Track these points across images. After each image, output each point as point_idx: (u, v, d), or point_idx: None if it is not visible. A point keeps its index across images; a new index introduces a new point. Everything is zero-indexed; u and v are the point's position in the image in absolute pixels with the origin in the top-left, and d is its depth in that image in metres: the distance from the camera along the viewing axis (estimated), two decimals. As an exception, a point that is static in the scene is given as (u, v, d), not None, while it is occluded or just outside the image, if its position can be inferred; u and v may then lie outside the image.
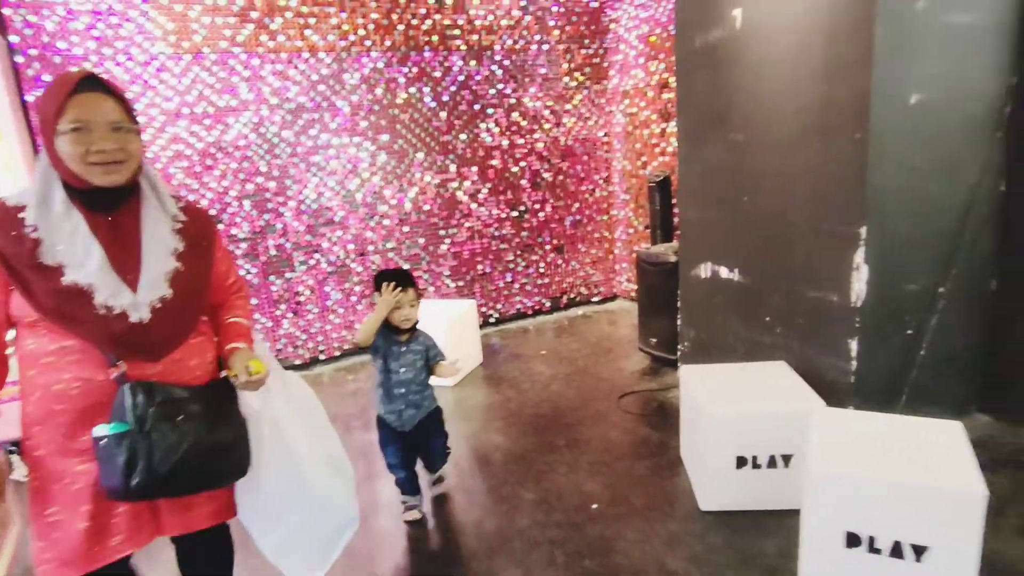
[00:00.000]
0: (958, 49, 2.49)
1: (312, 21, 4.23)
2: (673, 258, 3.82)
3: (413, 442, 2.55)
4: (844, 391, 2.64)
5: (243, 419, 1.51)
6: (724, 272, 3.21)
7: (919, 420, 2.11)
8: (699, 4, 3.02)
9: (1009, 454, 2.70)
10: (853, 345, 2.58)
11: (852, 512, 1.83)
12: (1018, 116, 2.68)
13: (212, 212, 4.13)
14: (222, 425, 1.43)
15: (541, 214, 5.32)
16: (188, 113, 4.00)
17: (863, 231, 2.46)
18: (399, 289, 2.34)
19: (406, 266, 4.83)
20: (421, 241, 4.87)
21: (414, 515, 2.54)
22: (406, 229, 4.81)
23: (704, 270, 3.35)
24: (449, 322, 4.00)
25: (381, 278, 2.36)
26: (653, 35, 4.81)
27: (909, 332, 2.71)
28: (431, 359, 2.52)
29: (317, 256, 4.51)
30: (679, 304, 3.67)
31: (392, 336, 2.44)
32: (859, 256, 2.49)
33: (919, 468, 1.80)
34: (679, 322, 3.70)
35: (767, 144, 2.82)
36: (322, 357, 4.67)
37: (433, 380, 2.57)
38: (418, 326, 2.51)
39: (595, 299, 5.74)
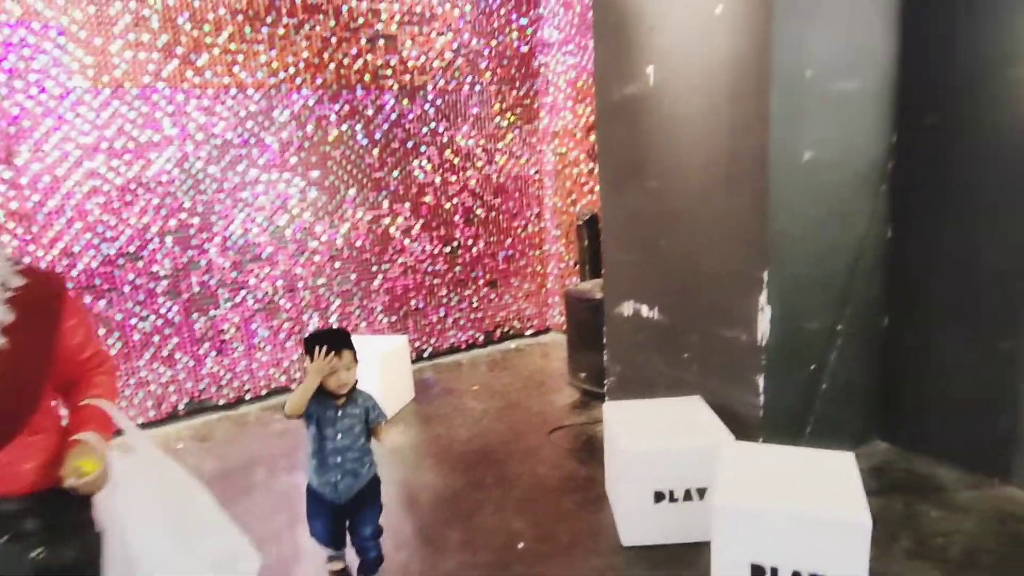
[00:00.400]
0: (844, 112, 2.75)
1: (240, 58, 4.21)
2: (600, 295, 3.96)
3: (346, 514, 2.31)
4: (754, 425, 2.81)
5: (97, 533, 1.27)
6: (645, 311, 3.36)
7: (816, 452, 2.27)
8: (616, 60, 3.21)
9: (902, 479, 2.93)
10: (760, 381, 2.76)
11: (755, 543, 1.95)
12: (899, 170, 2.97)
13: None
14: (68, 542, 1.21)
15: (474, 249, 5.40)
16: (107, 148, 3.88)
17: (765, 275, 2.66)
18: (333, 354, 2.12)
19: (337, 302, 4.80)
20: (353, 277, 4.85)
21: (338, 565, 2.49)
22: (338, 265, 4.78)
23: (627, 308, 3.50)
24: (381, 358, 4.00)
25: (312, 342, 2.14)
26: (580, 81, 5.04)
27: (812, 367, 2.92)
28: (371, 421, 2.28)
29: (243, 293, 4.41)
30: (605, 340, 3.80)
31: (326, 399, 2.19)
32: (763, 298, 2.68)
33: (812, 499, 1.95)
34: (605, 358, 3.82)
35: (680, 192, 3.00)
36: (248, 396, 4.54)
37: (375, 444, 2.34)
38: (356, 385, 2.27)
39: (528, 332, 5.84)
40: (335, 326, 4.75)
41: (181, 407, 4.32)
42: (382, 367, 3.99)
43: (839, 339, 2.95)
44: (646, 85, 3.05)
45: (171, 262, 4.16)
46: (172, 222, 4.12)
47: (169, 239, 4.13)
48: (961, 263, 2.84)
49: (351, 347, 2.21)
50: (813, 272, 2.82)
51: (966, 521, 2.56)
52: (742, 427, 2.76)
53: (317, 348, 2.10)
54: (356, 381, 2.26)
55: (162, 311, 4.17)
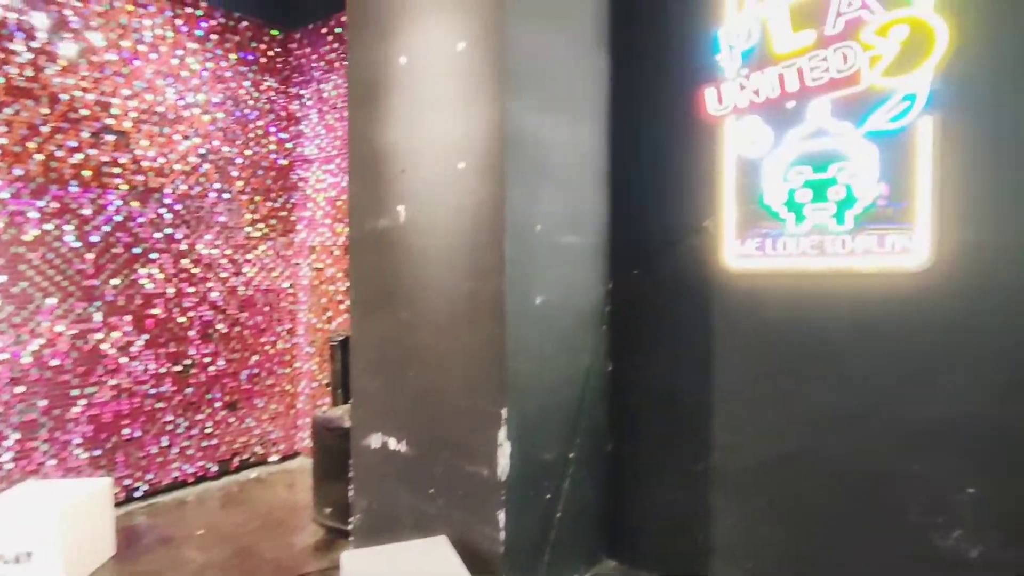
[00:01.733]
0: (569, 262, 3.13)
1: (-97, 133, 3.40)
2: (348, 423, 3.76)
3: None
4: (495, 560, 2.81)
5: None
6: (393, 443, 3.27)
7: None
8: (368, 193, 3.28)
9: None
10: (501, 516, 2.80)
11: None
12: (614, 312, 3.43)
13: None
14: None
15: (212, 368, 4.83)
16: None
17: (504, 412, 2.77)
18: None
19: (15, 436, 3.83)
20: (42, 404, 3.95)
21: None
22: (20, 389, 3.86)
23: (375, 440, 3.36)
24: (65, 509, 3.22)
25: None
26: (340, 200, 5.04)
27: (548, 496, 3.06)
28: None
29: None
30: (351, 473, 3.58)
31: None
32: (502, 433, 2.78)
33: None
34: (351, 492, 3.58)
35: (429, 325, 3.06)
36: None
37: None
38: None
39: (273, 458, 5.29)
40: None
41: None
42: (69, 519, 3.21)
43: (571, 467, 3.17)
44: (397, 221, 3.14)
45: None
46: None
47: None
48: (664, 393, 3.32)
49: None
50: (547, 406, 3.03)
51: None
52: (485, 562, 2.74)
53: None
54: None
55: None
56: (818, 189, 2.80)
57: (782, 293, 2.97)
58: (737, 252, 3.06)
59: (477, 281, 2.84)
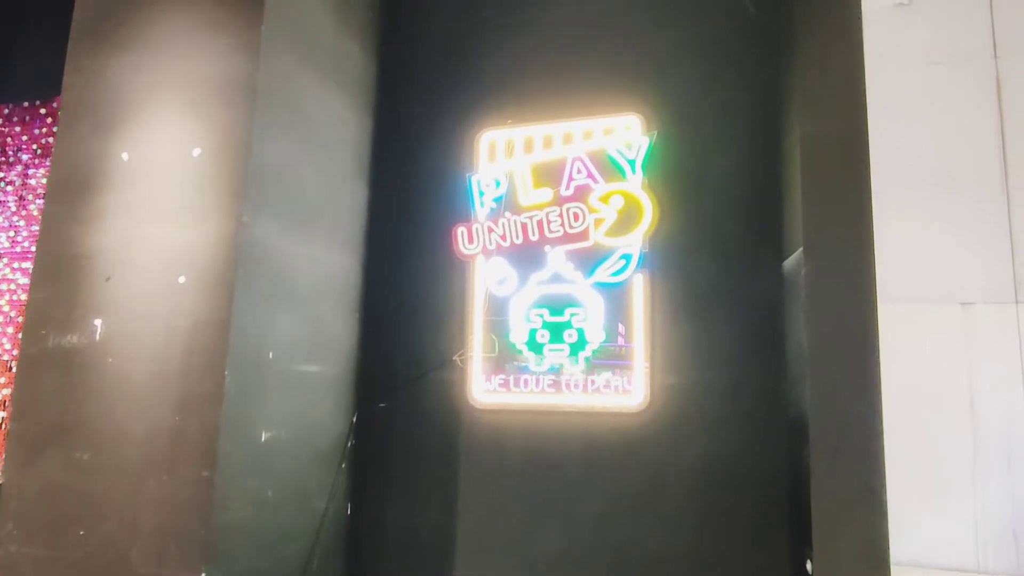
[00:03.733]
0: (308, 393, 2.83)
1: None
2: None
3: None
4: None
5: None
6: (43, 632, 2.44)
7: None
8: (58, 302, 2.67)
9: None
10: None
11: None
12: (358, 448, 3.15)
13: None
14: None
15: None
16: None
17: (203, 575, 2.26)
18: None
19: None
20: None
21: None
22: None
23: (16, 629, 2.49)
24: None
25: None
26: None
27: None
28: None
29: None
30: None
31: None
32: (198, 608, 2.24)
33: None
34: None
35: (115, 469, 2.46)
36: None
37: None
38: None
39: None
40: None
41: None
42: None
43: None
44: (92, 337, 2.58)
45: None
46: None
47: None
48: (407, 535, 3.07)
49: None
50: (264, 561, 2.56)
51: None
52: None
53: None
54: None
55: None
56: (555, 331, 2.98)
57: (524, 429, 3.01)
58: (484, 388, 3.07)
59: (186, 414, 2.39)
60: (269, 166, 2.61)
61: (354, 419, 3.16)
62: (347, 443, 3.11)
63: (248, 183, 2.49)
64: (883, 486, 2.15)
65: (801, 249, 2.42)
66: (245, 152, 2.51)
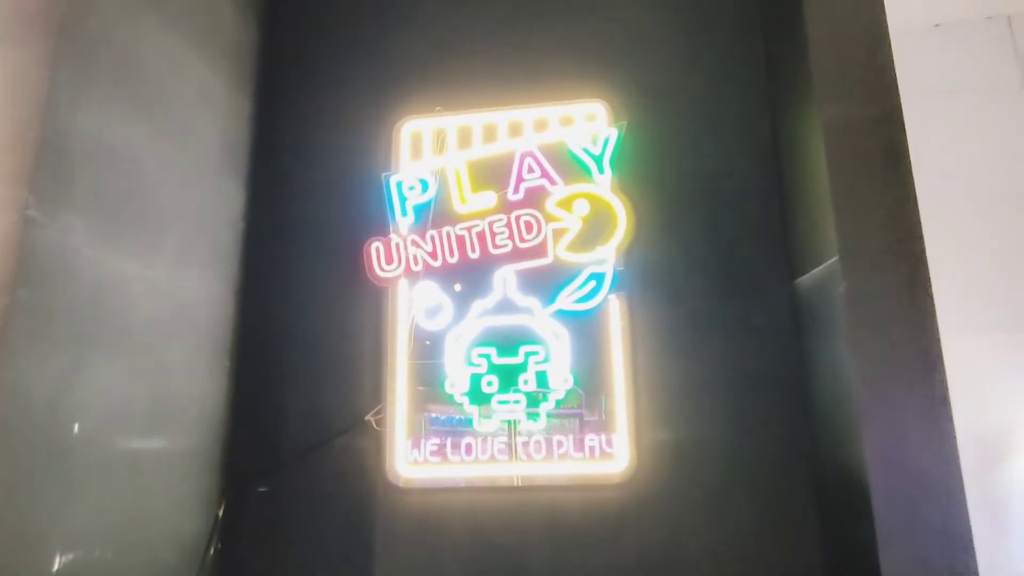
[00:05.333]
0: (144, 482, 1.88)
1: None
2: None
3: None
4: None
5: None
6: None
7: None
8: None
9: None
10: None
11: None
12: (227, 554, 2.21)
13: None
14: None
15: None
16: None
17: None
18: None
19: None
20: None
21: None
22: None
23: None
24: None
25: None
26: None
27: None
28: None
29: None
30: None
31: None
32: None
33: None
34: None
35: None
36: None
37: None
38: None
39: None
40: None
41: None
42: None
43: None
44: None
45: None
46: None
47: None
48: None
49: None
50: None
51: None
52: None
53: None
54: None
55: None
56: (506, 376, 2.23)
57: (467, 513, 2.21)
58: (410, 458, 2.24)
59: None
60: (79, 139, 1.71)
61: (220, 513, 2.22)
62: (208, 549, 2.15)
63: (40, 159, 1.58)
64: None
65: (832, 261, 1.88)
66: (39, 112, 1.61)
